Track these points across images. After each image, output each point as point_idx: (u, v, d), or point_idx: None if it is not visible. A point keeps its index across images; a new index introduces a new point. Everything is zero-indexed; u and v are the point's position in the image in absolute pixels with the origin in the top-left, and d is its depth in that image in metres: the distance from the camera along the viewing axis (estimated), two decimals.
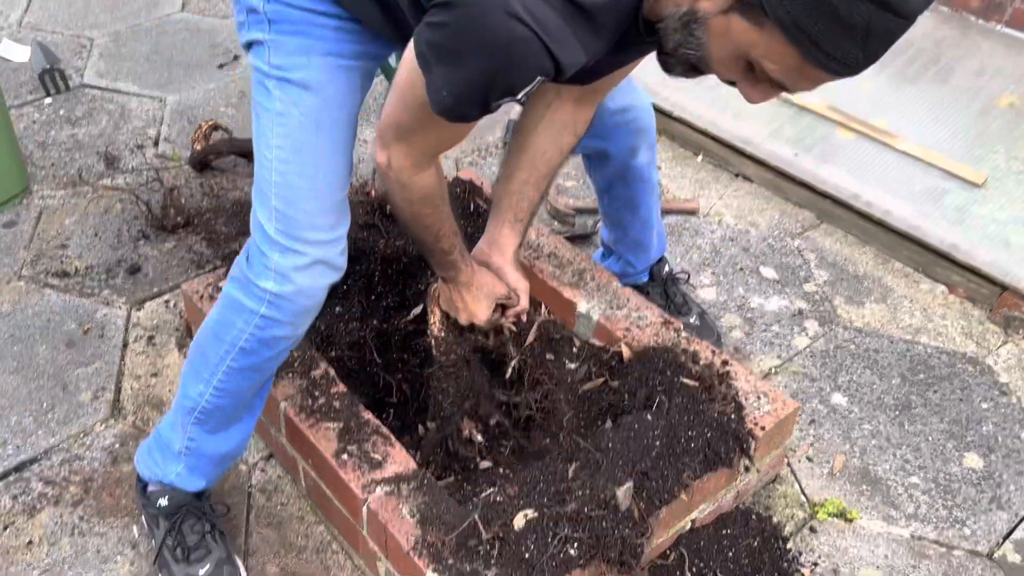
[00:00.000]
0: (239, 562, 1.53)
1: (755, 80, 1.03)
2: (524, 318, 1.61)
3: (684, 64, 1.07)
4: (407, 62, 1.13)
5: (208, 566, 1.49)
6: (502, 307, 1.54)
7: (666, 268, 2.05)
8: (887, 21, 0.92)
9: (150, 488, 1.52)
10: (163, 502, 1.51)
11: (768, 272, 2.21)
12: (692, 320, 2.01)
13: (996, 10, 2.56)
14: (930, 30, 2.61)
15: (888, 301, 2.14)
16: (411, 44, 1.11)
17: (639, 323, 1.76)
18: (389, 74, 2.41)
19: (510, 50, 1.00)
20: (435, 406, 1.62)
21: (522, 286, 1.56)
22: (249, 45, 1.33)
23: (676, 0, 1.02)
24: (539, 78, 1.05)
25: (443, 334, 1.57)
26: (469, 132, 1.25)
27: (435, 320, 1.57)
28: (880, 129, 2.36)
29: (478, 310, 1.50)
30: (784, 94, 1.15)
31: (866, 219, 2.25)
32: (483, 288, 1.49)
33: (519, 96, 1.07)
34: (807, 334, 2.05)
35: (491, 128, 2.66)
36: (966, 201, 2.18)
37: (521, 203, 1.53)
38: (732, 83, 1.07)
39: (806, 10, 0.92)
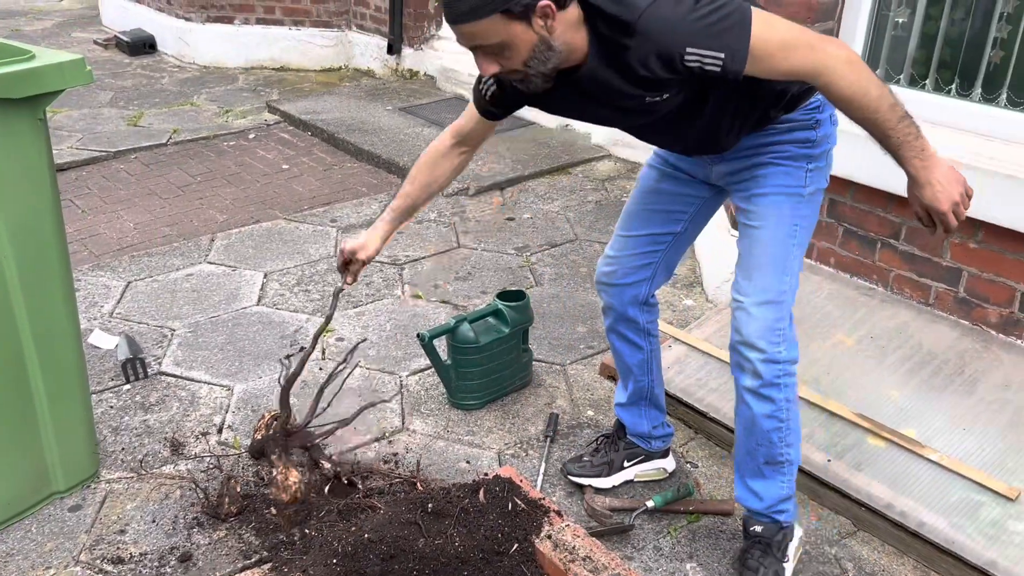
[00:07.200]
0: None
1: None
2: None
3: None
4: None
5: None
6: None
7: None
8: None
9: None
10: None
11: None
12: None
13: (1015, 326, 2.70)
14: (953, 342, 2.75)
15: None
16: None
17: None
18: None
19: None
20: None
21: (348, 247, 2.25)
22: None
23: None
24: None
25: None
26: (473, 118, 2.09)
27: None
28: (910, 438, 2.44)
29: (349, 239, 2.28)
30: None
31: (902, 529, 2.26)
32: (356, 236, 2.29)
33: (484, 77, 1.94)
34: None
35: (533, 421, 2.80)
36: (1001, 516, 2.20)
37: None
38: None
39: None
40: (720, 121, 1.89)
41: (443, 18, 1.71)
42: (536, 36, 1.68)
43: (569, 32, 1.71)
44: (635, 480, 2.51)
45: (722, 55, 1.63)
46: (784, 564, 2.14)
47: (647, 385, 2.42)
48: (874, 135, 1.77)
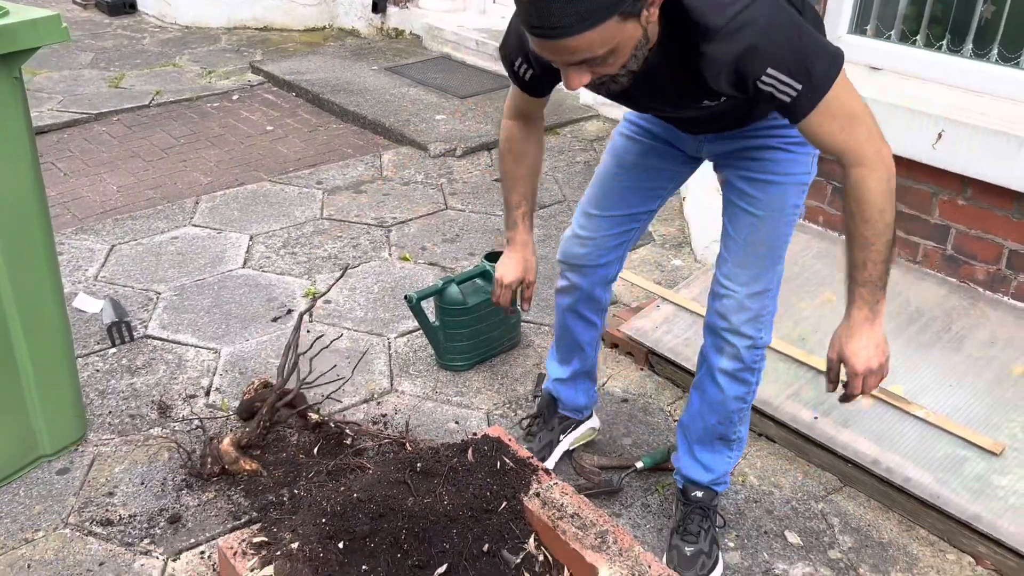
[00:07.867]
0: None
1: None
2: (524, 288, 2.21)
3: None
4: None
5: None
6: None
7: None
8: None
9: None
10: None
11: (792, 537, 2.22)
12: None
13: (1002, 282, 2.70)
14: (940, 299, 2.75)
15: (914, 571, 2.12)
16: None
17: None
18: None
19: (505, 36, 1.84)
20: None
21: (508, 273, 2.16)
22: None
23: None
24: (520, 58, 1.82)
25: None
26: (523, 98, 1.94)
27: None
28: (897, 395, 2.45)
29: (500, 270, 2.16)
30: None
31: (888, 485, 2.28)
32: (504, 263, 2.16)
33: (515, 63, 1.83)
34: None
35: (521, 381, 2.80)
36: (986, 470, 2.22)
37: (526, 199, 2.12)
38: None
39: None
40: (751, 117, 1.82)
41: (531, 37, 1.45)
42: (641, 31, 1.46)
43: (653, 24, 1.51)
44: (571, 449, 2.47)
45: (800, 86, 1.49)
46: (717, 528, 2.18)
47: (592, 360, 2.38)
48: (853, 257, 1.64)
